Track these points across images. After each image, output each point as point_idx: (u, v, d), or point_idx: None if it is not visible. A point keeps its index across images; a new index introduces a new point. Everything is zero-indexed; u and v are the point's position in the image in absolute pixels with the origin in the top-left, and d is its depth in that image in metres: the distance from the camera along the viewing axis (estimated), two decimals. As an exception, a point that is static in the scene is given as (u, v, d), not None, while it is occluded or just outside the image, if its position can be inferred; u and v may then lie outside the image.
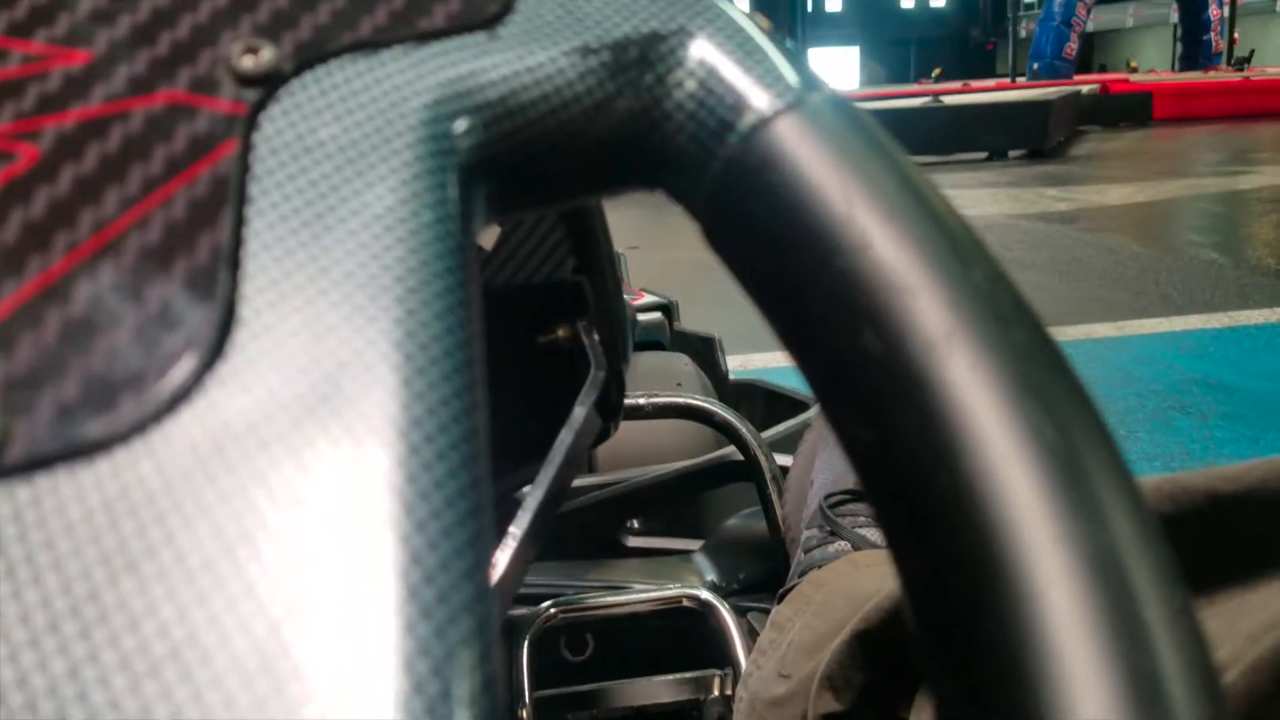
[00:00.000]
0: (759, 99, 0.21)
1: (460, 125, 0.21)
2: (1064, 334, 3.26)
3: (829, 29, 38.16)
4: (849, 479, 0.73)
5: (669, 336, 1.56)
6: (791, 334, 0.21)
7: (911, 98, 13.67)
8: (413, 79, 0.21)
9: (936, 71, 29.38)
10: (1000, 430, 0.16)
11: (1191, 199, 6.30)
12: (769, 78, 0.22)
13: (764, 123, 0.21)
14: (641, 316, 1.54)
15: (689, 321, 1.66)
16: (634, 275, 1.71)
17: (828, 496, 0.73)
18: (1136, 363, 3.12)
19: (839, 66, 38.66)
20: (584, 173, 0.24)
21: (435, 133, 0.20)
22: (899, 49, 39.92)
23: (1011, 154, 9.53)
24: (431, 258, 0.18)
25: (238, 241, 0.17)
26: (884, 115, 9.95)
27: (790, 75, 0.22)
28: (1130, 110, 13.37)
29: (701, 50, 0.22)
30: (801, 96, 0.21)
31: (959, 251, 0.19)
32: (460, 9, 0.22)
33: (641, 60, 0.22)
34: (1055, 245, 4.74)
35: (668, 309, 1.58)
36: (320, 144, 0.19)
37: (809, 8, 34.32)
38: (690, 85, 0.22)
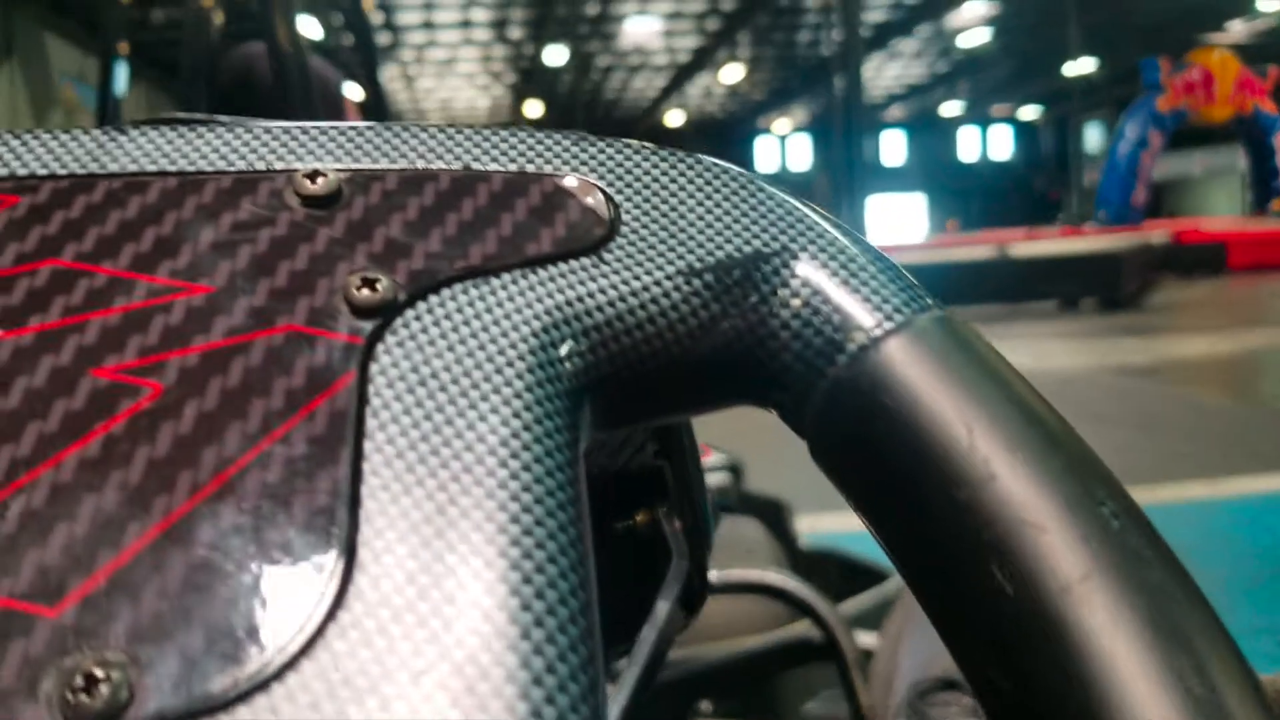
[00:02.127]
0: (866, 319, 0.21)
1: (569, 349, 0.21)
2: (1153, 495, 3.10)
3: (890, 179, 39.07)
4: (940, 664, 0.70)
5: (736, 499, 1.53)
6: (910, 563, 0.20)
7: (975, 246, 13.82)
8: (522, 306, 0.21)
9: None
10: (1147, 686, 0.16)
11: (1274, 350, 6.17)
12: (875, 297, 0.22)
13: (873, 343, 0.21)
14: (707, 477, 1.50)
15: (754, 480, 1.63)
16: (696, 428, 1.67)
17: (917, 684, 0.70)
18: (1233, 524, 3.00)
19: (904, 213, 39.33)
20: (689, 390, 0.24)
21: (545, 359, 0.20)
22: (961, 199, 40.56)
23: (1083, 304, 9.45)
24: (545, 494, 0.18)
25: (356, 479, 0.17)
26: (950, 270, 10.05)
27: (897, 294, 0.22)
28: (1204, 259, 13.26)
29: (806, 270, 0.22)
30: (910, 316, 0.21)
31: (1087, 483, 0.18)
32: (566, 234, 0.22)
33: (746, 280, 0.22)
34: (1136, 399, 4.67)
35: (736, 469, 1.55)
36: (434, 374, 0.19)
37: (868, 159, 35.44)
38: (795, 304, 0.22)
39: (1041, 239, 16.31)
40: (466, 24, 21.48)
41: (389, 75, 25.64)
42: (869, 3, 18.38)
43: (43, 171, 0.23)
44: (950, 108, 38.06)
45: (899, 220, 36.85)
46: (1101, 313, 9.03)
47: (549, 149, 0.25)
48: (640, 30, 23.41)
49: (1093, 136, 35.87)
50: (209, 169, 0.23)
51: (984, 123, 39.44)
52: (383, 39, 19.87)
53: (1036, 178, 40.62)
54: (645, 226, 0.23)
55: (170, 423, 0.18)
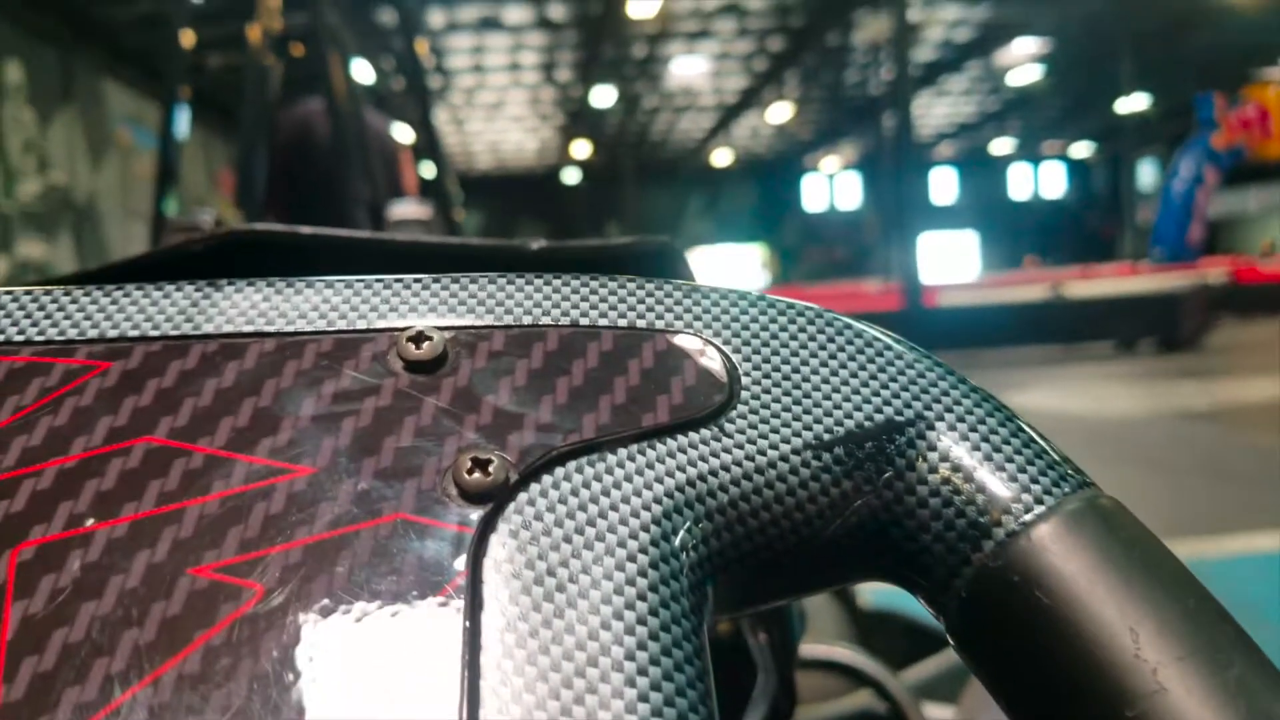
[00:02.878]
0: (1013, 500, 0.20)
1: (691, 533, 0.19)
2: (1224, 547, 3.03)
3: (941, 218, 38.78)
4: None
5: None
6: None
7: (1029, 284, 13.60)
8: (641, 487, 0.20)
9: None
10: None
11: (1343, 396, 5.96)
12: (1023, 475, 0.20)
13: (1022, 528, 0.19)
14: None
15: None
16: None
17: None
18: None
19: (957, 250, 38.97)
20: (817, 570, 0.22)
21: (667, 549, 0.19)
22: (1013, 237, 40.12)
23: (1140, 345, 9.24)
24: (674, 692, 0.17)
25: (475, 698, 0.16)
26: (1004, 312, 9.91)
27: (1046, 472, 0.20)
28: (1263, 299, 12.90)
29: (944, 442, 0.21)
30: (1061, 499, 0.20)
31: (1266, 700, 0.17)
32: (684, 401, 0.21)
33: (879, 454, 0.21)
34: (1200, 446, 4.56)
35: None
36: (550, 571, 0.18)
37: (918, 198, 35.21)
38: (934, 481, 0.21)
39: (1097, 278, 16.01)
40: (515, 67, 21.88)
41: (439, 118, 26.15)
42: (918, 40, 18.35)
43: (134, 333, 0.22)
44: (1001, 145, 37.80)
45: (951, 258, 36.54)
46: (1159, 354, 8.81)
47: (660, 301, 0.24)
48: (687, 71, 23.65)
49: (1146, 173, 35.35)
50: (308, 329, 0.22)
51: (1035, 160, 39.14)
52: (433, 82, 20.31)
53: (1090, 215, 40.10)
54: (767, 391, 0.22)
55: (274, 631, 0.17)
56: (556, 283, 0.24)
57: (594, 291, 0.24)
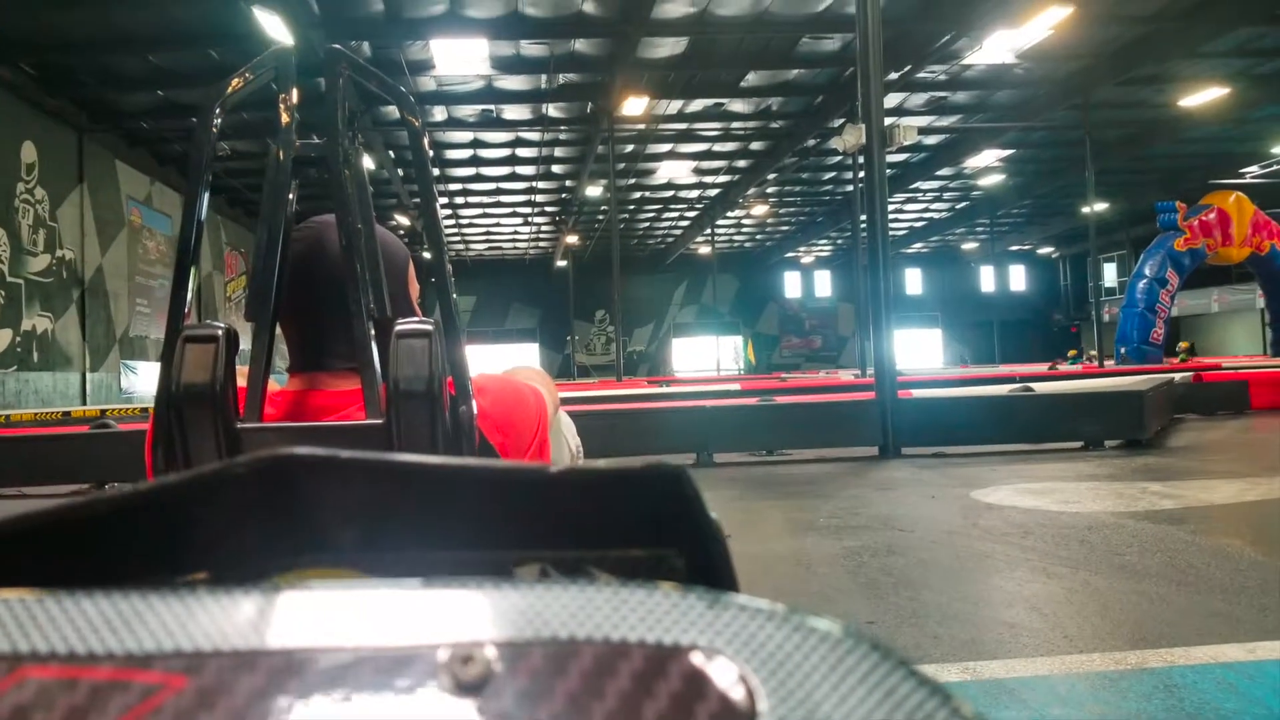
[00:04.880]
0: None
1: None
2: (1189, 656, 3.03)
3: (911, 310, 39.83)
4: None
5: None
6: None
7: (996, 382, 14.11)
8: None
9: (1071, 353, 30.66)
10: None
11: (1304, 499, 6.08)
12: None
13: None
14: None
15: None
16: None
17: None
18: (1275, 695, 2.77)
19: (922, 347, 39.91)
20: None
21: None
22: (981, 330, 41.21)
23: (1108, 443, 9.57)
24: None
25: None
26: (973, 404, 10.19)
27: None
28: (1227, 399, 13.49)
29: None
30: None
31: None
32: None
33: None
34: (1167, 550, 4.61)
35: None
36: None
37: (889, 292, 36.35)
38: None
39: (1063, 374, 16.59)
40: (512, 159, 22.73)
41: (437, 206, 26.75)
42: (892, 146, 19.42)
43: (208, 646, 0.22)
44: (969, 243, 39.19)
45: (915, 353, 37.39)
46: (1125, 452, 9.01)
47: (685, 614, 0.24)
48: (673, 169, 24.58)
49: (1110, 272, 36.67)
50: (367, 646, 0.23)
51: (1002, 258, 40.49)
52: (433, 173, 21.02)
53: (1055, 312, 41.34)
54: (784, 718, 0.22)
55: None
56: (590, 592, 0.24)
57: (625, 602, 0.24)
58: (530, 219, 30.53)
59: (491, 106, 18.57)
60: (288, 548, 0.32)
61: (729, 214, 30.32)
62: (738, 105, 19.49)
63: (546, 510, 0.33)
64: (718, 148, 22.77)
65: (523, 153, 22.36)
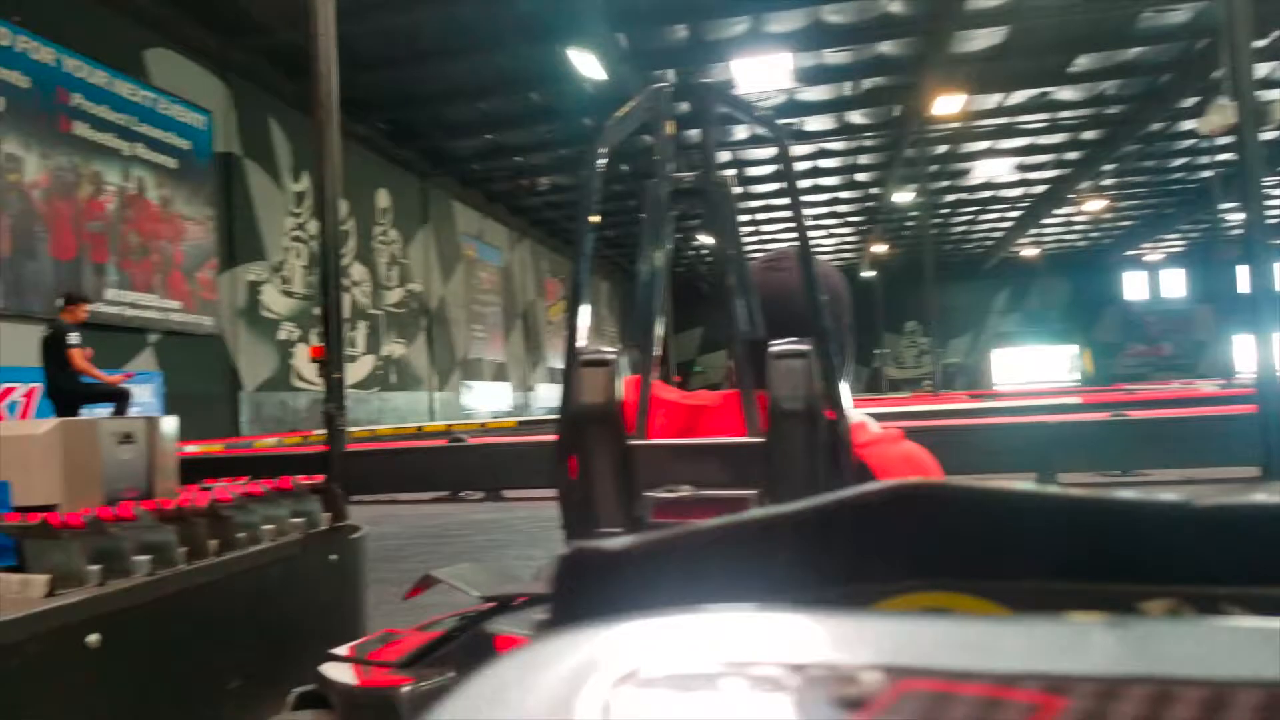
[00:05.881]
0: None
1: None
2: None
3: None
4: None
5: None
6: None
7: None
8: None
9: None
10: None
11: None
12: None
13: None
14: None
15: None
16: None
17: None
18: None
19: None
20: None
21: None
22: None
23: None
24: None
25: None
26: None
27: None
28: None
29: None
30: None
31: None
32: None
33: None
34: None
35: None
36: None
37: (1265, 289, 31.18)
38: None
39: None
40: (814, 171, 22.25)
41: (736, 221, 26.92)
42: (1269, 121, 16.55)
43: (1074, 670, 0.22)
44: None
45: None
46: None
47: None
48: (992, 167, 22.82)
49: None
50: (1230, 679, 0.21)
51: None
52: (735, 186, 21.14)
53: None
54: None
55: None
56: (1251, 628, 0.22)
57: None
58: (834, 230, 29.79)
59: (794, 120, 18.23)
60: (901, 572, 0.33)
61: (1056, 212, 27.62)
62: (1065, 93, 17.61)
63: (1177, 542, 0.31)
64: (1043, 140, 20.76)
65: (825, 163, 21.80)
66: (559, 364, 34.74)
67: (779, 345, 0.97)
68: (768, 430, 0.97)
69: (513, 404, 25.15)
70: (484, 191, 23.22)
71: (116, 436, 2.02)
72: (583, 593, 0.33)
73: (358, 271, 17.69)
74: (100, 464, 1.97)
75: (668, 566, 0.32)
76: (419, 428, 15.73)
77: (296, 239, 15.70)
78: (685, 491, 1.00)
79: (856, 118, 18.75)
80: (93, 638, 1.64)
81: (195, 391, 12.41)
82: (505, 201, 24.24)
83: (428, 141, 18.93)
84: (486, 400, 23.32)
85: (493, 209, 24.15)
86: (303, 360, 15.39)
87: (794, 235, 1.10)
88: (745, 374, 1.03)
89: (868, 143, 20.59)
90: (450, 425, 15.61)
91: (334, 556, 2.48)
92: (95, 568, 1.71)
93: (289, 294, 15.40)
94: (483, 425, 16.32)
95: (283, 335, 15.12)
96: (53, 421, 1.88)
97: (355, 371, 16.94)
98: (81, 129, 11.04)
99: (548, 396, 27.98)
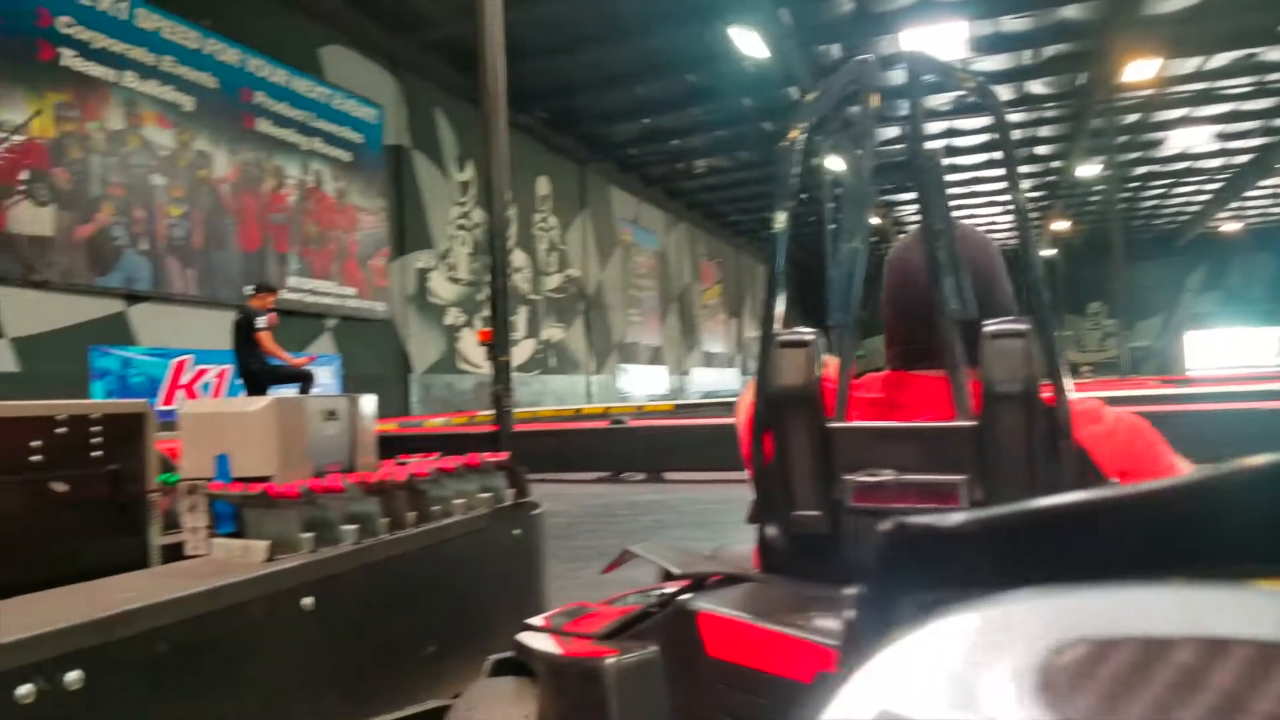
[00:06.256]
0: None
1: None
2: None
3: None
4: None
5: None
6: None
7: None
8: None
9: None
10: None
11: None
12: None
13: None
14: None
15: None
16: None
17: None
18: None
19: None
20: None
21: None
22: None
23: None
24: None
25: None
26: None
27: None
28: None
29: None
30: None
31: None
32: None
33: None
34: None
35: None
36: None
37: None
38: None
39: None
40: (989, 145, 21.17)
41: (905, 197, 26.05)
42: None
43: (1232, 633, 0.21)
44: None
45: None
46: None
47: None
48: (1188, 137, 21.06)
49: None
50: None
51: None
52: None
53: None
54: None
55: None
56: None
57: None
58: (1010, 206, 28.29)
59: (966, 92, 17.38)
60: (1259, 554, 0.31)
61: (1263, 183, 25.21)
62: (1275, 53, 15.99)
63: None
64: (1248, 106, 18.97)
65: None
66: (715, 348, 34.82)
67: (994, 324, 0.92)
68: (980, 414, 0.93)
69: (668, 388, 25.32)
70: (641, 176, 23.39)
71: (322, 414, 2.10)
72: (905, 568, 0.32)
73: (519, 258, 18.21)
74: (308, 439, 2.06)
75: (999, 544, 0.31)
76: (577, 410, 16.06)
77: (461, 227, 16.30)
78: (888, 476, 0.96)
79: (1037, 87, 17.69)
80: (307, 601, 1.72)
81: (370, 373, 13.12)
82: (662, 185, 24.33)
83: (586, 128, 19.21)
84: (642, 384, 23.57)
85: (649, 193, 24.30)
86: (468, 344, 15.99)
87: (1004, 205, 1.01)
88: (954, 355, 0.99)
89: (1049, 114, 19.41)
90: (607, 408, 15.87)
91: (517, 531, 2.52)
92: (308, 535, 1.79)
93: (454, 280, 16.02)
94: (639, 408, 16.49)
95: (449, 320, 15.76)
96: (268, 399, 1.97)
97: (516, 355, 17.43)
98: (264, 125, 11.81)
99: (703, 381, 27.99)
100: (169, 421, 2.08)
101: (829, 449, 0.99)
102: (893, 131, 13.19)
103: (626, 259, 23.29)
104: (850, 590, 0.36)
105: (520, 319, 18.16)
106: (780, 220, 1.11)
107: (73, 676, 1.27)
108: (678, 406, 17.23)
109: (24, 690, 1.21)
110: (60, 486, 1.73)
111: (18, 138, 8.51)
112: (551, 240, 19.69)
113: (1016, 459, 0.92)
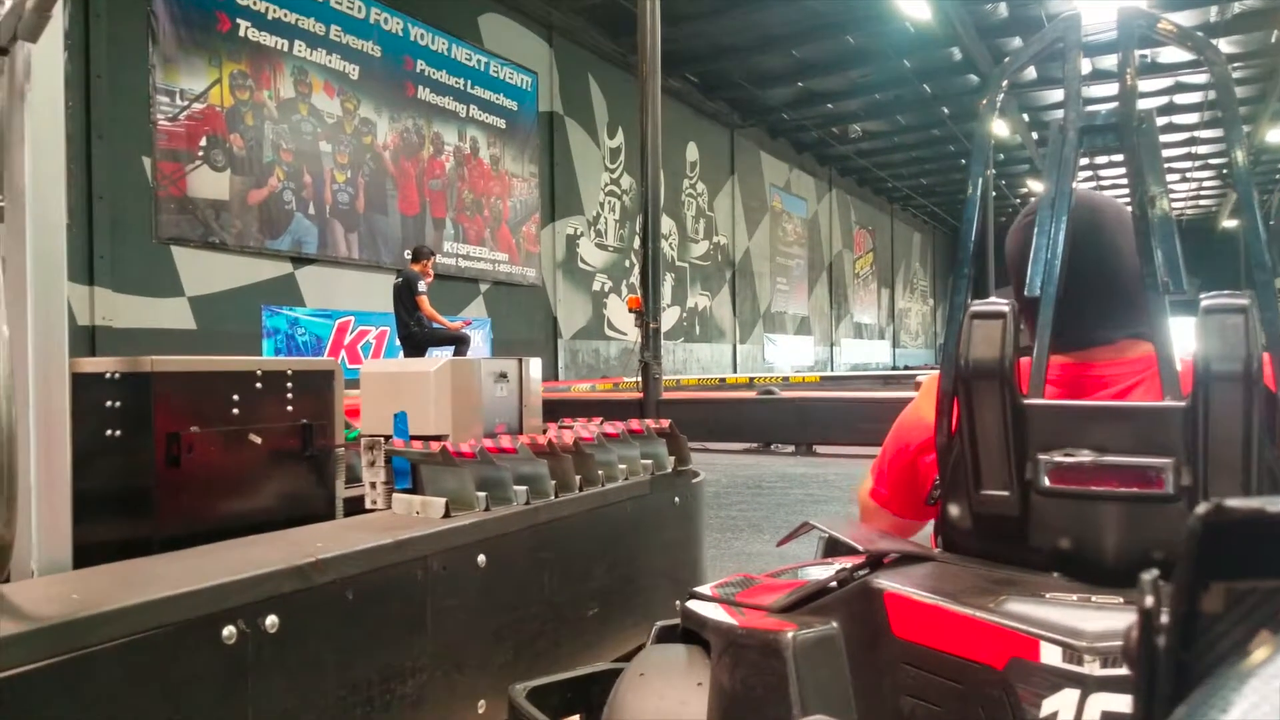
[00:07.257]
0: None
1: None
2: None
3: None
4: None
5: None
6: None
7: None
8: None
9: None
10: None
11: None
12: None
13: None
14: None
15: None
16: None
17: None
18: None
19: None
20: None
21: None
22: None
23: None
24: None
25: None
26: None
27: None
28: None
29: None
30: None
31: None
32: None
33: None
34: None
35: None
36: None
37: None
38: None
39: None
40: (1168, 108, 19.61)
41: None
42: None
43: None
44: None
45: None
46: None
47: None
48: None
49: None
50: None
51: None
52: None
53: None
54: None
55: None
56: None
57: None
58: (1188, 174, 26.22)
59: (1146, 52, 16.11)
60: None
61: None
62: None
63: None
64: None
65: (1182, 99, 19.12)
66: (866, 318, 33.75)
67: (1211, 298, 0.87)
68: (1191, 394, 0.87)
69: (815, 359, 24.89)
70: (792, 141, 22.91)
71: (494, 375, 2.15)
72: (1222, 554, 0.31)
73: (666, 224, 18.21)
74: (480, 400, 2.11)
75: None
76: (721, 379, 16.01)
77: (610, 194, 16.42)
78: (1087, 456, 0.91)
79: (1223, 46, 16.20)
80: (481, 558, 1.76)
81: (520, 338, 13.46)
82: (814, 151, 23.77)
83: (737, 92, 18.93)
84: (788, 354, 23.26)
85: (800, 159, 23.79)
86: (615, 310, 16.17)
87: (1221, 172, 0.90)
88: (1160, 329, 0.95)
89: (1237, 74, 17.76)
90: (753, 378, 15.74)
91: (677, 499, 2.51)
92: (482, 495, 1.83)
93: (603, 247, 16.20)
94: (785, 379, 16.30)
95: (596, 286, 15.96)
96: (443, 360, 2.03)
97: (662, 322, 17.58)
98: (424, 93, 12.20)
99: (851, 353, 27.37)
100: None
101: (1021, 426, 0.94)
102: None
103: (775, 226, 22.94)
104: (1146, 575, 0.33)
105: (666, 286, 18.22)
106: (975, 184, 1.06)
107: (271, 620, 1.34)
108: (824, 379, 16.94)
109: (228, 631, 1.28)
110: (257, 438, 1.83)
111: (198, 105, 9.11)
112: (699, 207, 19.60)
113: (1231, 443, 0.85)
